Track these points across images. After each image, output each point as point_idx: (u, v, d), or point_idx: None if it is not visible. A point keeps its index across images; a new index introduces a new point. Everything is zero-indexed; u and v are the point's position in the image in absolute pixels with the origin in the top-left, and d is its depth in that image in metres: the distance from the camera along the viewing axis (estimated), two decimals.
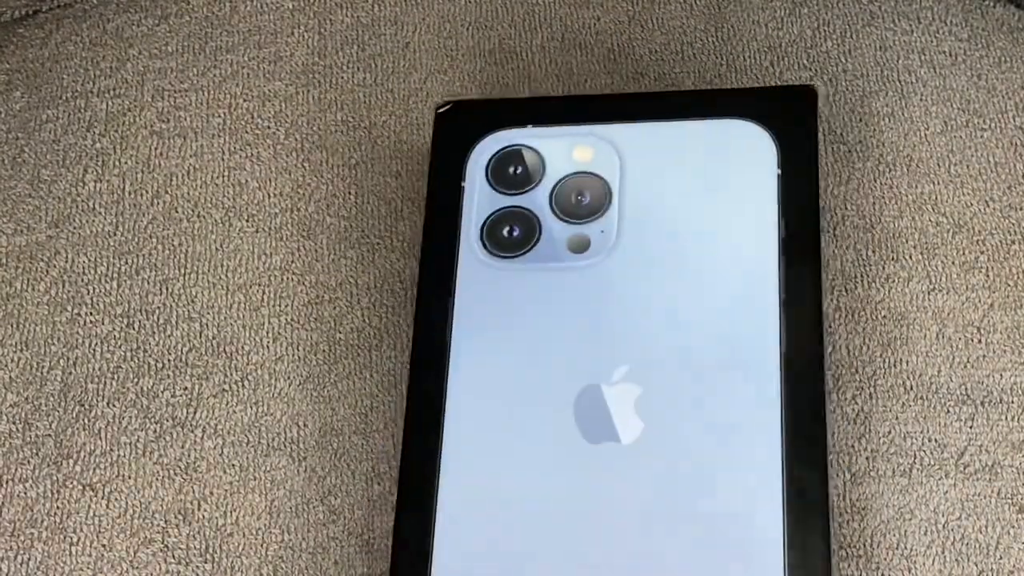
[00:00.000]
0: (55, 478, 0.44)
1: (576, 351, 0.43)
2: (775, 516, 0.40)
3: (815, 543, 0.39)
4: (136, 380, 0.45)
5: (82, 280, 0.47)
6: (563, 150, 0.45)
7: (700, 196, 0.44)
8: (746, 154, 0.44)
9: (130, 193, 0.48)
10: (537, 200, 0.45)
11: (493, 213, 0.45)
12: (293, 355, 0.45)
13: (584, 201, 0.45)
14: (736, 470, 0.41)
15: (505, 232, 0.44)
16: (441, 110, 0.46)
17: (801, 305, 0.42)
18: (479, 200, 0.45)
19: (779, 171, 0.44)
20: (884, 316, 0.45)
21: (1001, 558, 0.42)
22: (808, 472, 0.40)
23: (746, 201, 0.44)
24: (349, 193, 0.48)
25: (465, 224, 0.44)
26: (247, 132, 0.49)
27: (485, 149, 0.46)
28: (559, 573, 0.40)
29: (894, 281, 0.46)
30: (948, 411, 0.44)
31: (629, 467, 0.41)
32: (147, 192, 0.48)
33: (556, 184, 0.45)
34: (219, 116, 0.49)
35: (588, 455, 0.41)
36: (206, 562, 0.43)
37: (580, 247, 0.44)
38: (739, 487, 0.40)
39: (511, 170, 0.45)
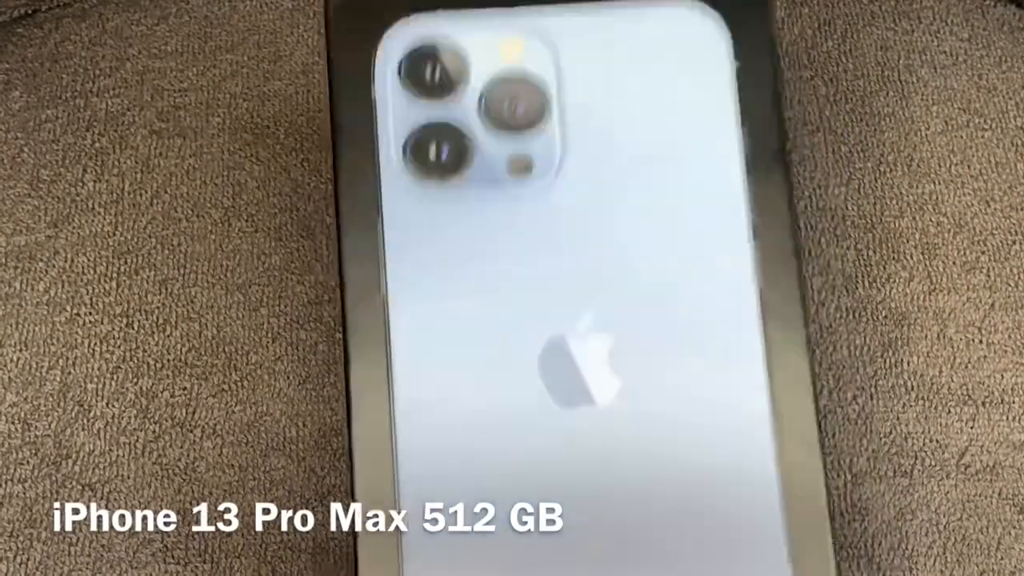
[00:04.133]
0: (54, 478, 0.44)
1: (534, 295, 0.38)
2: (769, 473, 0.37)
3: (813, 482, 0.37)
4: (135, 380, 0.45)
5: (81, 280, 0.47)
6: (486, 45, 0.39)
7: (648, 101, 0.39)
8: (697, 47, 0.39)
9: (129, 193, 0.48)
10: (464, 110, 0.39)
11: (416, 129, 0.39)
12: (292, 355, 0.45)
13: (519, 111, 0.39)
14: (723, 430, 0.37)
15: (432, 152, 0.38)
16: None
17: (774, 231, 0.38)
18: (395, 111, 0.38)
19: (738, 64, 0.39)
20: (885, 316, 0.45)
21: (1002, 559, 0.42)
22: (799, 405, 0.37)
23: (702, 105, 0.39)
24: None
25: (383, 142, 0.38)
26: (246, 132, 0.49)
27: (394, 45, 0.39)
28: (536, 556, 0.37)
29: (895, 281, 0.46)
30: (949, 411, 0.44)
31: (608, 432, 0.37)
32: (146, 192, 0.48)
33: (483, 89, 0.39)
34: (219, 116, 0.49)
35: (560, 420, 0.37)
36: (205, 562, 0.43)
37: (521, 168, 0.39)
38: (728, 451, 0.37)
39: (428, 73, 0.39)
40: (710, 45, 0.39)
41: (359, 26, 0.39)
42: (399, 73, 0.39)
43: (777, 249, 0.38)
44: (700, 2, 0.39)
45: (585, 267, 0.38)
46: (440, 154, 0.39)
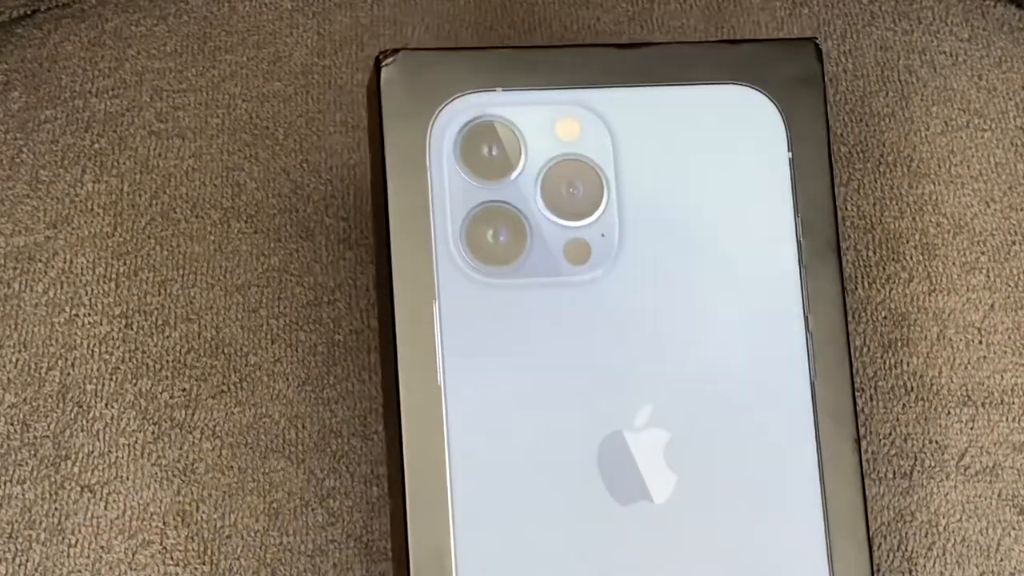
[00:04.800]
0: (53, 479, 0.44)
1: (591, 385, 0.37)
2: (819, 567, 0.37)
3: None
4: (134, 381, 0.45)
5: (80, 281, 0.47)
6: (543, 125, 0.38)
7: (703, 187, 0.39)
8: (752, 132, 0.39)
9: (128, 194, 0.48)
10: (521, 192, 0.37)
11: (472, 209, 0.37)
12: (292, 357, 0.45)
13: (577, 194, 0.38)
14: (775, 523, 0.37)
15: (490, 236, 0.37)
16: (386, 63, 0.37)
17: (826, 325, 0.38)
18: (451, 191, 0.37)
19: (790, 154, 0.39)
20: (885, 317, 0.45)
21: (1002, 560, 0.42)
22: (850, 546, 0.37)
23: (757, 193, 0.39)
24: (348, 194, 0.48)
25: (439, 223, 0.37)
26: (246, 132, 0.49)
27: (448, 123, 0.37)
28: None
29: (895, 282, 0.46)
30: (949, 412, 0.44)
31: (664, 528, 0.36)
32: (145, 193, 0.48)
33: (540, 171, 0.38)
34: (218, 116, 0.49)
35: (619, 518, 0.36)
36: (204, 564, 0.43)
37: (579, 256, 0.38)
38: (780, 545, 0.37)
39: (486, 151, 0.38)
40: (765, 130, 0.39)
41: (412, 103, 0.37)
42: (456, 148, 0.38)
43: (829, 342, 0.38)
44: (754, 86, 0.39)
45: (641, 357, 0.37)
46: (498, 236, 0.37)
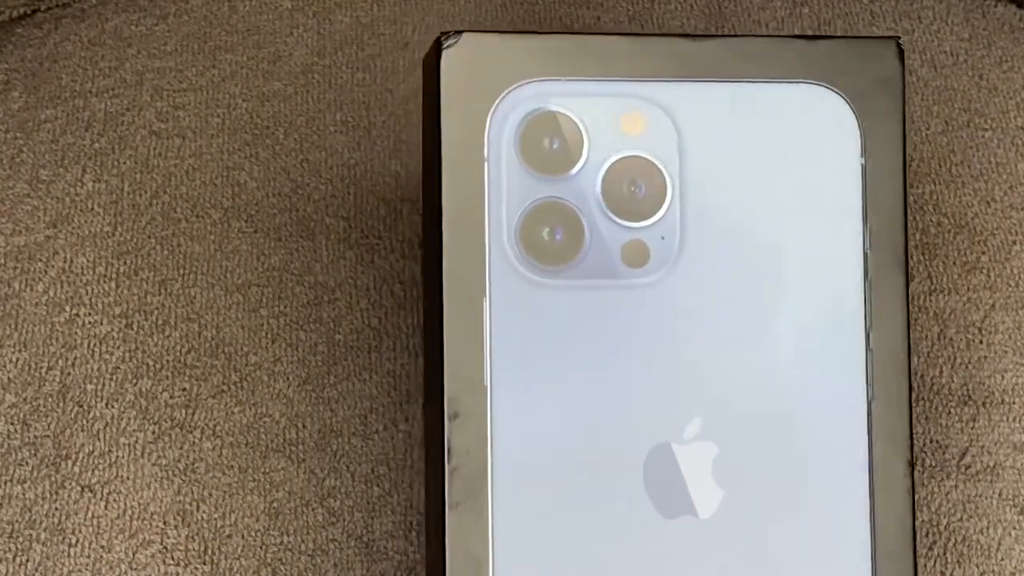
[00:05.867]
0: (53, 479, 0.44)
1: (643, 399, 0.36)
2: None
3: None
4: (135, 381, 0.45)
5: (80, 281, 0.47)
6: (608, 118, 0.36)
7: (770, 192, 0.37)
8: (824, 134, 0.37)
9: (129, 193, 0.48)
10: (581, 189, 0.36)
11: (529, 207, 0.36)
12: (292, 356, 0.45)
13: (638, 193, 0.36)
14: (823, 544, 0.36)
15: (545, 233, 0.35)
16: (448, 45, 0.35)
17: (887, 343, 0.36)
18: (510, 184, 0.35)
19: (863, 162, 0.37)
20: None
21: (1003, 559, 0.42)
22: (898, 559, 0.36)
23: (825, 200, 0.37)
24: (348, 193, 0.48)
25: (494, 218, 0.35)
26: (246, 132, 0.49)
27: (512, 109, 0.36)
28: None
29: None
30: (950, 412, 0.44)
31: (708, 546, 0.35)
32: (146, 192, 0.48)
33: (602, 167, 0.36)
34: (218, 116, 0.49)
35: (663, 532, 0.35)
36: (204, 564, 0.43)
37: (637, 259, 0.36)
38: (826, 567, 0.36)
39: (547, 143, 0.36)
40: (838, 134, 0.37)
41: (473, 89, 0.35)
42: (514, 143, 0.36)
43: (889, 361, 0.37)
44: (829, 87, 0.37)
45: (694, 367, 0.36)
46: (554, 235, 0.36)
